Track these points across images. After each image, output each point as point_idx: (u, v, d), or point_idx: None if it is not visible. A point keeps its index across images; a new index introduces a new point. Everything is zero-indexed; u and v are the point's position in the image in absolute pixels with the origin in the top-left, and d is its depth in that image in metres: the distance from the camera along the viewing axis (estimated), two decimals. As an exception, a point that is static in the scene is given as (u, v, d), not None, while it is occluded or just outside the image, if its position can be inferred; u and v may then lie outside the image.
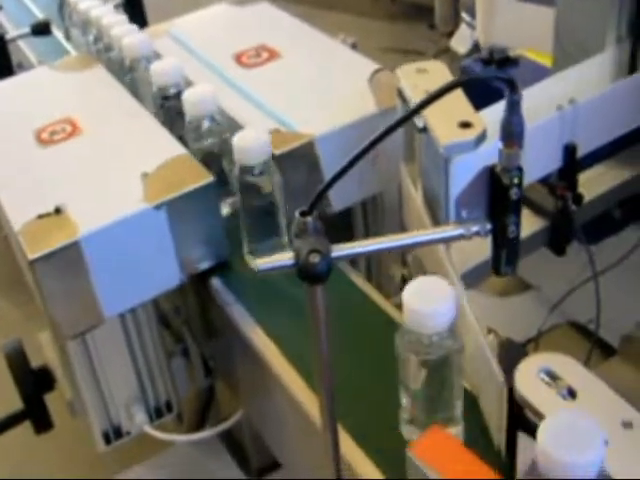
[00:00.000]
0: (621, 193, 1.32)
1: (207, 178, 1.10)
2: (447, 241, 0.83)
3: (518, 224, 0.75)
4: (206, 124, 1.20)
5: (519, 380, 0.80)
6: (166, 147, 1.17)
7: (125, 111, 1.29)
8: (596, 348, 1.47)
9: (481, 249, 1.14)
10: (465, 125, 0.90)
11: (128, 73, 1.37)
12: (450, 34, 2.63)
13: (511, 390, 0.80)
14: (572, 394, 0.78)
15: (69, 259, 1.04)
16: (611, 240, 1.57)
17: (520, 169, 0.73)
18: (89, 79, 1.39)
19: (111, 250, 1.06)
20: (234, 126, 1.21)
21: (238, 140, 1.09)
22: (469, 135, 0.88)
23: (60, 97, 1.35)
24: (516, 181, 0.73)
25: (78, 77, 1.40)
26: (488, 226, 0.77)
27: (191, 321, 1.30)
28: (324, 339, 0.72)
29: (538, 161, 1.17)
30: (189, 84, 1.27)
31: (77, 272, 1.05)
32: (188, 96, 1.19)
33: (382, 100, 1.19)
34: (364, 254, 0.76)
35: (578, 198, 1.19)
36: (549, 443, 0.63)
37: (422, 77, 1.03)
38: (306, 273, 0.67)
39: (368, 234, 1.29)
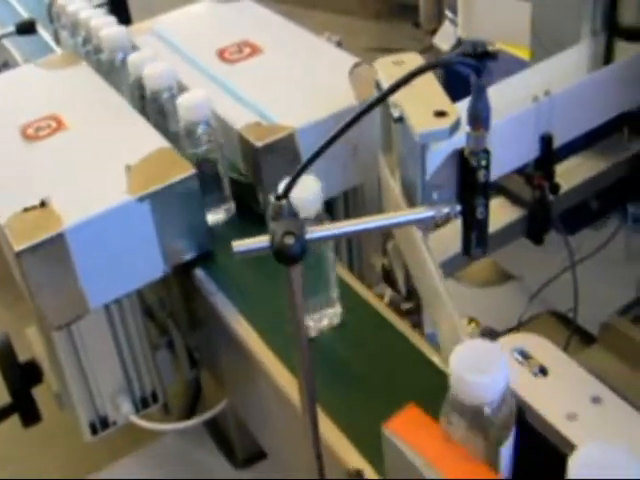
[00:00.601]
0: (598, 183, 1.33)
1: (189, 170, 1.12)
2: (418, 223, 0.85)
3: (486, 205, 0.77)
4: (201, 129, 1.21)
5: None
6: (149, 140, 1.19)
7: (109, 107, 1.31)
8: (576, 336, 1.49)
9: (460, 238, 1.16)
10: (440, 114, 0.92)
11: (112, 72, 1.38)
12: (434, 32, 2.65)
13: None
14: (544, 372, 0.80)
15: (54, 251, 1.06)
16: (590, 230, 1.60)
17: (487, 152, 0.75)
18: (74, 76, 1.41)
19: (95, 242, 1.07)
20: (228, 131, 1.23)
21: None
22: (444, 123, 0.90)
23: (45, 94, 1.37)
24: (483, 163, 0.76)
25: (63, 74, 1.41)
26: (458, 208, 0.79)
27: (176, 313, 1.32)
28: (301, 319, 0.74)
29: (515, 151, 1.19)
30: (181, 88, 1.29)
31: (62, 263, 1.06)
32: (182, 101, 1.20)
33: (361, 93, 1.21)
34: (338, 236, 0.78)
35: (555, 188, 1.21)
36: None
37: (399, 68, 1.05)
38: (281, 254, 0.70)
39: (347, 201, 1.31)
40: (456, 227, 1.14)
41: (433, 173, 0.79)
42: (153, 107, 1.28)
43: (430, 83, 1.04)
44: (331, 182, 1.20)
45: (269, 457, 1.41)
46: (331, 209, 1.30)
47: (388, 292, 1.22)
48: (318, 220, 1.03)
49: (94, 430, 1.27)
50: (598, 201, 1.42)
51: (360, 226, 0.76)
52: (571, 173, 1.32)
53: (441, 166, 0.78)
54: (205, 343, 1.31)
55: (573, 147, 1.33)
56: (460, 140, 0.86)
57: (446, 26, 2.30)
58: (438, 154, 0.89)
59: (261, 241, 0.71)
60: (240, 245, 0.71)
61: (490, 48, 1.58)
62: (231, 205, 1.28)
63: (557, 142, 1.22)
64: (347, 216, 1.30)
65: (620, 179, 1.38)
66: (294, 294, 0.72)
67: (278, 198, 0.71)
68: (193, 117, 1.19)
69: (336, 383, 0.98)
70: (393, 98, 0.99)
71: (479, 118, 0.73)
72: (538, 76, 1.25)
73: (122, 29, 1.39)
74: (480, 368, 0.69)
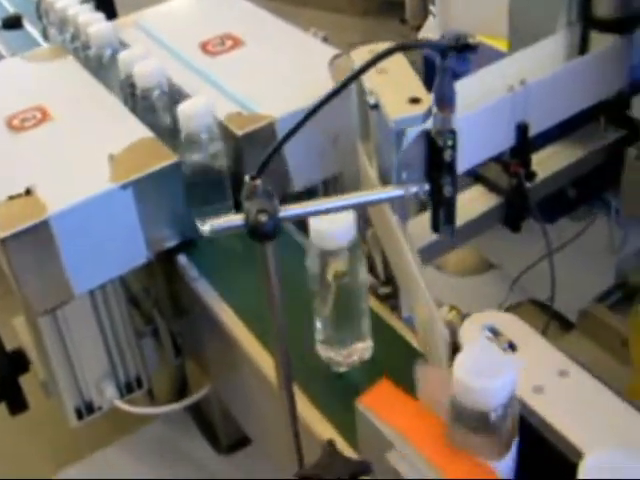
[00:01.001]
0: (574, 172, 1.36)
1: (171, 159, 1.14)
2: (388, 201, 0.87)
3: (454, 184, 0.80)
4: (203, 137, 1.19)
5: (463, 336, 0.84)
6: (132, 130, 1.21)
7: (94, 99, 1.33)
8: (555, 323, 1.52)
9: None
10: (414, 101, 0.94)
11: (101, 68, 1.40)
12: (419, 28, 2.67)
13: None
14: (512, 347, 0.82)
15: (39, 237, 1.08)
16: (575, 222, 1.62)
17: (453, 132, 0.78)
18: (60, 69, 1.43)
19: (79, 228, 1.10)
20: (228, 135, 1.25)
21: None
22: (417, 110, 0.93)
23: (31, 86, 1.39)
24: (450, 143, 0.78)
25: (49, 67, 1.44)
26: (426, 187, 0.82)
27: (160, 301, 1.34)
28: (277, 296, 0.76)
29: (491, 140, 1.21)
30: (171, 86, 1.31)
31: (47, 250, 1.08)
32: (184, 109, 1.19)
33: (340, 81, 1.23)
34: (310, 214, 0.80)
35: (531, 175, 1.23)
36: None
37: (374, 57, 1.08)
38: (255, 232, 0.72)
39: (327, 190, 1.33)
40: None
41: (402, 153, 0.81)
42: (143, 105, 1.30)
43: (405, 72, 1.06)
44: (310, 170, 1.23)
45: (253, 443, 1.44)
46: (311, 194, 1.33)
47: (369, 279, 1.24)
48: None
49: (80, 415, 1.29)
50: (576, 190, 1.44)
51: (332, 204, 0.79)
52: (548, 161, 1.34)
53: (409, 146, 0.80)
54: (189, 330, 1.33)
55: (550, 136, 1.36)
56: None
57: (430, 21, 2.32)
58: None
59: (235, 219, 0.73)
60: (216, 223, 0.73)
61: (470, 40, 1.62)
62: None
63: (533, 131, 1.24)
64: (325, 183, 1.32)
65: (597, 168, 1.40)
66: (268, 272, 0.74)
67: (252, 178, 0.73)
68: (195, 126, 1.18)
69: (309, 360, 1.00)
70: (369, 86, 1.02)
71: (445, 99, 0.75)
72: (514, 66, 1.27)
73: (109, 25, 1.41)
74: (486, 372, 0.68)
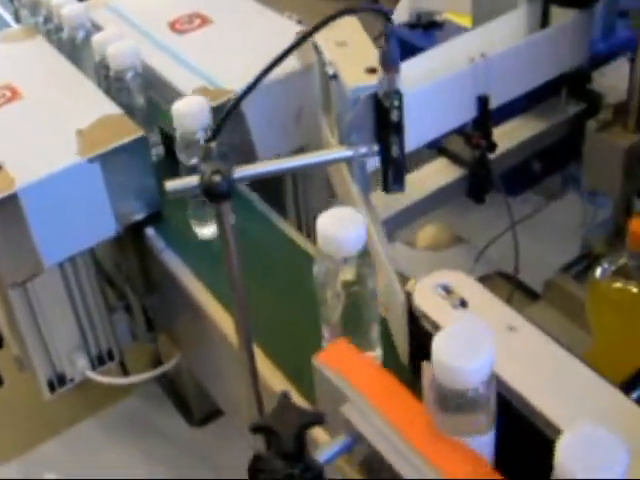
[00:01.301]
0: (537, 144, 1.39)
1: (138, 133, 1.16)
2: (338, 162, 0.90)
3: (401, 144, 0.82)
4: (200, 138, 1.14)
5: (417, 295, 0.87)
6: (100, 107, 1.23)
7: (63, 77, 1.35)
8: (522, 294, 1.55)
9: (403, 197, 1.22)
10: (371, 71, 0.97)
11: (74, 50, 1.42)
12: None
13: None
14: (464, 304, 0.85)
15: (8, 211, 1.10)
16: (545, 197, 1.65)
17: (399, 93, 0.80)
18: (30, 49, 1.45)
19: (48, 201, 1.12)
20: (177, 96, 1.27)
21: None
22: (374, 79, 0.95)
23: (1, 66, 1.40)
24: (396, 104, 0.81)
25: (20, 47, 1.45)
26: (375, 147, 0.84)
27: (131, 276, 1.37)
28: (233, 255, 0.79)
29: (453, 112, 1.23)
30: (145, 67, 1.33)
31: (16, 223, 1.11)
32: (179, 108, 1.15)
33: (305, 58, 1.26)
34: (263, 175, 0.83)
35: (492, 146, 1.26)
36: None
37: (334, 30, 1.10)
38: (210, 192, 0.74)
39: (296, 186, 1.35)
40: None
41: (351, 116, 0.83)
42: (117, 86, 1.32)
43: (364, 44, 1.09)
44: (275, 144, 1.25)
45: (225, 415, 1.46)
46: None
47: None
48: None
49: (52, 387, 1.31)
50: (540, 163, 1.47)
51: (284, 165, 0.81)
52: (510, 134, 1.37)
53: (358, 109, 0.83)
54: (160, 304, 1.36)
55: (513, 109, 1.39)
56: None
57: (403, 1, 2.34)
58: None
59: (191, 181, 0.75)
60: (172, 184, 0.76)
61: (437, 18, 1.65)
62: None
63: (495, 103, 1.27)
64: (294, 180, 1.35)
65: (560, 141, 1.43)
66: (225, 231, 0.77)
67: (207, 141, 0.75)
68: (191, 126, 1.14)
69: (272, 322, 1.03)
70: (328, 57, 1.04)
71: (390, 61, 0.78)
72: (476, 40, 1.30)
73: (81, 6, 1.43)
74: (465, 352, 0.68)
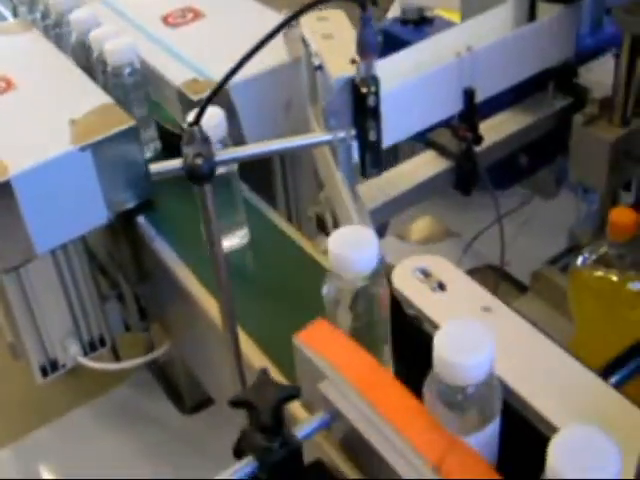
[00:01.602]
0: (523, 138, 1.41)
1: (130, 122, 1.19)
2: (317, 145, 0.92)
3: (378, 129, 0.85)
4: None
5: (396, 278, 0.89)
6: (94, 97, 1.25)
7: (58, 69, 1.37)
8: (510, 286, 1.58)
9: (391, 188, 1.24)
10: (354, 61, 0.99)
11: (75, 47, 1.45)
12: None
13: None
14: (442, 287, 0.87)
15: (0, 198, 1.12)
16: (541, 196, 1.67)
17: (375, 78, 0.83)
18: (25, 42, 1.47)
19: (40, 189, 1.14)
20: (169, 87, 1.29)
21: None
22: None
23: (-3, 58, 1.43)
24: (373, 89, 0.83)
25: (15, 40, 1.48)
26: (353, 132, 0.87)
27: (124, 265, 1.39)
28: (216, 236, 0.81)
29: (439, 104, 1.26)
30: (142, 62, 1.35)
31: (9, 209, 1.13)
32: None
33: (294, 51, 1.28)
34: (244, 158, 0.85)
35: (478, 139, 1.28)
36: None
37: (321, 24, 1.13)
38: (192, 174, 0.77)
39: (285, 178, 1.38)
40: (385, 178, 1.22)
41: (330, 101, 0.86)
42: (115, 82, 1.34)
43: (349, 37, 1.11)
44: (264, 135, 1.27)
45: (215, 403, 1.49)
46: (268, 162, 1.37)
47: (324, 241, 1.29)
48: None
49: (45, 373, 1.33)
50: (527, 157, 1.50)
51: (263, 149, 0.84)
52: (497, 127, 1.39)
53: (336, 94, 0.85)
54: (152, 293, 1.38)
55: (500, 103, 1.41)
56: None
57: (397, 2, 2.37)
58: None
59: (175, 163, 0.78)
60: (156, 167, 0.78)
61: (428, 14, 1.67)
62: (246, 231, 1.21)
63: (481, 96, 1.29)
64: (283, 166, 1.37)
65: (546, 135, 1.46)
66: (207, 211, 0.79)
67: (190, 125, 0.77)
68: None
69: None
70: (314, 49, 1.07)
71: (367, 47, 0.80)
72: (463, 33, 1.32)
73: (78, 2, 1.45)
74: (465, 348, 0.69)
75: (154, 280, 1.32)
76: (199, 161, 0.75)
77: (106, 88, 1.32)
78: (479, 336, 0.70)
